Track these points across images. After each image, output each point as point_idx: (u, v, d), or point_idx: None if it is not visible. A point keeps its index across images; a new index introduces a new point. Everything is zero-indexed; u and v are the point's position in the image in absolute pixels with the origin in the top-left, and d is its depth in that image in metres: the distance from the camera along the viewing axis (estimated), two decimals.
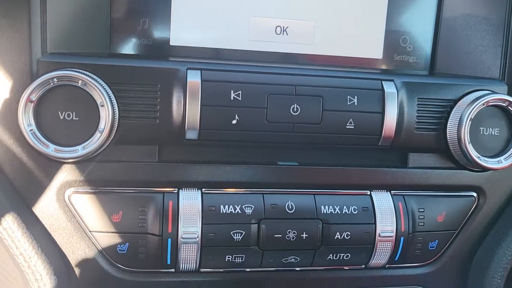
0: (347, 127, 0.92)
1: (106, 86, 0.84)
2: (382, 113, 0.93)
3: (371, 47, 1.06)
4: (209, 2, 0.99)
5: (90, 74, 0.83)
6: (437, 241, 1.00)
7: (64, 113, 0.83)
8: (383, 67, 1.06)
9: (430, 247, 0.99)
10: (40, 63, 0.84)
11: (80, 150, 0.83)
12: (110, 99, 0.83)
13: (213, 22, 1.00)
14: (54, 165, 0.86)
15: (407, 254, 0.98)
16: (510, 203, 1.05)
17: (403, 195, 0.98)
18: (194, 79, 0.87)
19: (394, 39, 1.06)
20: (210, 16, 0.99)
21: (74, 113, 0.84)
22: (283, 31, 1.02)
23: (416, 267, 1.02)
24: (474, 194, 1.03)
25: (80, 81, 0.82)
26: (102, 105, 0.83)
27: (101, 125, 0.83)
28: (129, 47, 0.97)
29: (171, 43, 0.99)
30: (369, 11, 1.04)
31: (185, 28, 0.99)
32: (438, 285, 1.04)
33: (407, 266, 1.01)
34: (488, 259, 1.02)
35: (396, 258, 0.98)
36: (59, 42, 0.87)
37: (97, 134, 0.83)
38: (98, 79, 0.83)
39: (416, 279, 1.02)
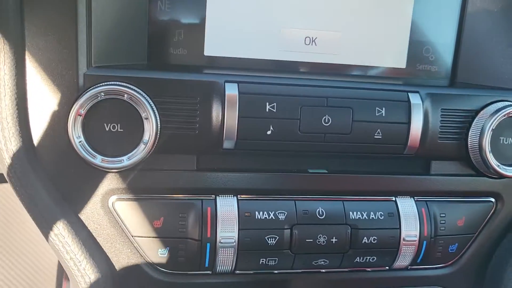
0: (375, 136, 0.97)
1: (149, 99, 0.88)
2: (408, 123, 0.97)
3: (395, 57, 1.10)
4: (242, 14, 1.02)
5: (135, 88, 0.87)
6: (457, 244, 1.05)
7: (109, 125, 0.87)
8: (406, 76, 1.10)
9: (450, 249, 1.05)
10: (86, 76, 0.88)
11: (126, 161, 0.87)
12: (154, 112, 0.87)
13: (245, 33, 1.03)
14: (99, 174, 0.91)
15: (429, 256, 1.03)
16: None
17: (426, 201, 1.04)
18: (232, 91, 0.91)
19: (417, 49, 1.10)
20: (243, 27, 1.03)
21: (119, 125, 0.88)
22: (312, 41, 1.06)
23: (436, 268, 1.08)
24: (492, 199, 1.08)
25: (126, 95, 0.86)
26: (147, 118, 0.87)
27: (145, 137, 0.87)
28: (165, 58, 1.01)
29: (205, 53, 1.03)
30: (394, 21, 1.08)
31: (219, 39, 1.03)
32: (457, 285, 1.10)
33: (428, 267, 1.07)
34: (505, 260, 1.08)
35: (419, 260, 1.03)
36: (102, 55, 0.91)
37: (142, 145, 0.87)
38: (142, 93, 0.87)
39: (436, 279, 1.08)
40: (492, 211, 1.08)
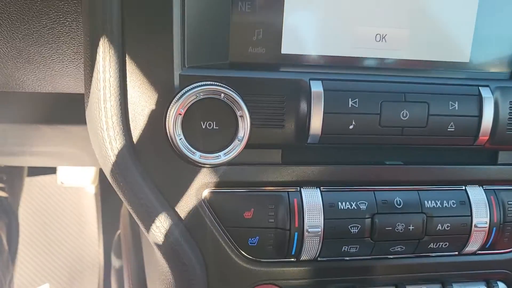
0: (448, 129, 1.02)
1: (242, 98, 0.92)
2: (480, 116, 1.02)
3: (460, 51, 1.14)
4: (317, 13, 1.06)
5: (229, 88, 0.92)
6: None
7: (206, 122, 0.93)
8: (470, 70, 1.15)
9: None
10: (181, 77, 0.93)
11: (222, 156, 0.93)
12: (248, 110, 0.92)
13: (320, 31, 1.08)
14: (194, 169, 0.96)
15: (497, 241, 1.09)
16: None
17: (494, 189, 1.09)
18: (317, 88, 0.96)
19: (481, 43, 1.14)
20: (317, 25, 1.07)
21: (214, 122, 0.93)
22: (382, 38, 1.11)
23: (503, 253, 1.14)
24: None
25: (222, 94, 0.91)
26: (241, 116, 0.92)
27: (240, 134, 0.92)
28: (245, 57, 1.05)
29: (282, 52, 1.07)
30: (459, 16, 1.12)
31: (295, 37, 1.07)
32: None
33: (496, 252, 1.13)
34: None
35: (488, 245, 1.09)
36: (192, 56, 0.96)
37: (237, 142, 0.92)
38: (236, 92, 0.92)
39: (503, 263, 1.14)
40: None
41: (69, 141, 2.16)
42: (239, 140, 0.93)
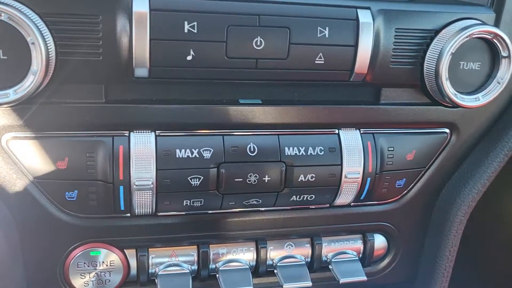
0: (316, 62, 0.83)
1: (37, 19, 0.71)
2: (356, 46, 0.83)
3: None
4: None
5: (16, 5, 0.70)
6: (404, 179, 0.97)
7: None
8: None
9: (397, 185, 0.97)
10: None
11: (12, 95, 0.73)
12: (42, 35, 0.71)
13: None
14: None
15: (373, 193, 0.95)
16: (481, 140, 1.01)
17: (373, 133, 0.93)
18: (141, 8, 0.75)
19: None
20: None
21: (1, 51, 0.72)
22: None
23: (381, 204, 1.00)
24: (447, 130, 0.98)
25: (3, 14, 0.69)
26: (33, 43, 0.71)
27: (34, 66, 0.72)
28: None
29: None
30: None
31: None
32: (402, 221, 1.03)
33: (373, 203, 0.99)
34: (453, 196, 1.01)
35: (362, 197, 0.95)
36: None
37: (30, 76, 0.72)
38: (28, 11, 0.71)
39: (381, 215, 1.01)
40: (445, 143, 0.99)
41: None
42: (33, 74, 0.72)
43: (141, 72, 0.79)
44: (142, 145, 0.82)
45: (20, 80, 0.73)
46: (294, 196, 0.91)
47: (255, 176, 0.87)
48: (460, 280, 1.12)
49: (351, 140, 0.91)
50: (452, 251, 1.04)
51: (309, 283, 0.96)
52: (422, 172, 0.99)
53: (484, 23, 0.87)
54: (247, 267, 0.97)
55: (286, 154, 0.88)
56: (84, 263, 0.90)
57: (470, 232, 1.06)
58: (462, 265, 1.12)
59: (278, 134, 0.88)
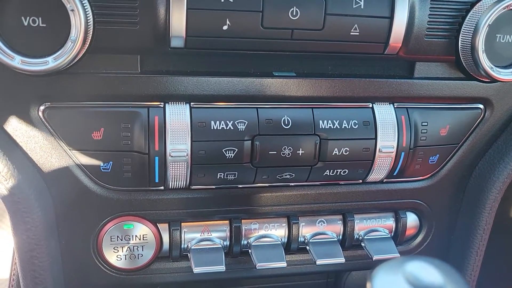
0: (351, 33, 0.82)
1: None
2: (391, 18, 0.83)
3: None
4: None
5: None
6: (438, 155, 0.96)
7: (28, 18, 0.72)
8: None
9: (431, 161, 0.95)
10: None
11: (51, 62, 0.73)
12: (81, 3, 0.71)
13: None
14: (24, 78, 0.77)
15: (406, 169, 0.94)
16: None
17: (406, 107, 0.92)
18: None
19: None
20: None
21: (40, 18, 0.72)
22: None
23: (414, 181, 0.99)
24: (481, 106, 0.96)
25: None
26: (72, 10, 0.71)
27: (73, 34, 0.72)
28: None
29: None
30: None
31: None
32: (435, 198, 1.02)
33: (405, 180, 0.98)
34: (487, 173, 0.99)
35: (395, 173, 0.94)
36: None
37: (69, 44, 0.72)
38: None
39: (414, 193, 1.00)
40: (479, 119, 0.97)
41: None
42: (72, 41, 0.72)
43: (177, 42, 0.78)
44: (177, 117, 0.82)
45: (59, 48, 0.73)
46: (328, 171, 0.90)
47: (289, 149, 0.86)
48: (494, 259, 1.11)
49: (385, 114, 0.90)
50: (486, 230, 1.02)
51: (342, 259, 0.95)
52: (456, 149, 0.98)
53: None
54: (279, 242, 0.96)
55: (320, 127, 0.87)
56: (118, 236, 0.90)
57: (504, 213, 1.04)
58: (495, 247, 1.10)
59: (312, 107, 0.88)
